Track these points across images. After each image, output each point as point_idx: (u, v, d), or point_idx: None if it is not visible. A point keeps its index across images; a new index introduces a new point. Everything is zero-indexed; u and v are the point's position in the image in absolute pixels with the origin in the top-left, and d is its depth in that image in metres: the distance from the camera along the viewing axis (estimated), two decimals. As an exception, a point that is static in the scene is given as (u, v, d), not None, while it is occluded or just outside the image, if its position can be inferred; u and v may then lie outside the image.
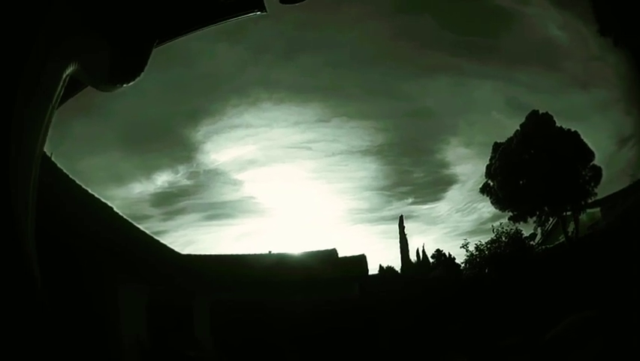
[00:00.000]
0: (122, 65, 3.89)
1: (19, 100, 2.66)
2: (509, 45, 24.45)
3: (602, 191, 19.06)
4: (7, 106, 2.58)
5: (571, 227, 19.38)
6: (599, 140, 20.89)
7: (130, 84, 4.05)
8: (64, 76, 3.20)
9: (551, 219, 20.11)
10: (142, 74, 4.00)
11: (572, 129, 19.60)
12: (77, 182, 8.44)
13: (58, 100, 3.22)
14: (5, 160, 2.52)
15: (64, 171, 7.93)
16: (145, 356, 10.36)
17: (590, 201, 19.05)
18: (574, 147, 19.25)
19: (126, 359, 9.81)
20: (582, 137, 19.46)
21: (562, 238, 19.45)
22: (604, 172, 19.12)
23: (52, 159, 7.30)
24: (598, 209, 19.37)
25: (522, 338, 12.64)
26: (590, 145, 19.31)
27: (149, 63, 4.05)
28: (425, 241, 31.33)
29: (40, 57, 2.86)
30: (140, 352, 10.40)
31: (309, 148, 28.09)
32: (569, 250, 17.79)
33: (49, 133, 3.22)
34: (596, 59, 21.77)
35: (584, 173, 19.21)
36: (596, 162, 19.23)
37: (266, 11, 4.09)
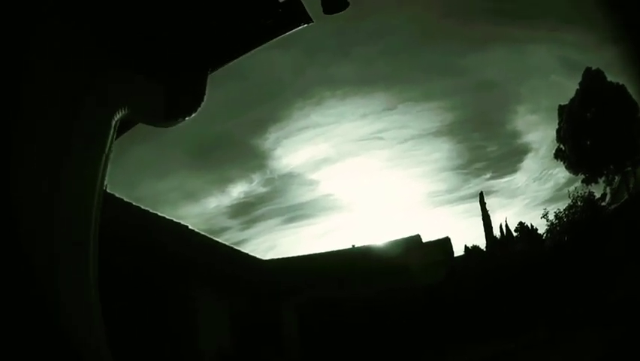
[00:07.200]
0: (179, 100, 3.95)
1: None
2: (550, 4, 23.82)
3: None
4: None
5: (632, 182, 19.25)
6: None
7: (192, 116, 4.06)
8: (113, 123, 3.30)
9: (616, 178, 19.95)
10: (202, 104, 4.08)
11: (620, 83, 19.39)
12: (143, 207, 8.54)
13: (112, 145, 3.32)
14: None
15: (126, 199, 8.01)
16: None
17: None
18: (622, 101, 19.06)
19: None
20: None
21: (626, 196, 19.31)
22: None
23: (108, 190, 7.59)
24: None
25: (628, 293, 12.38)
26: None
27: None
28: (507, 214, 30.83)
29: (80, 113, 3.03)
30: None
31: (381, 138, 28.18)
32: (632, 206, 17.64)
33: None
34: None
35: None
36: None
37: (312, 21, 4.11)
